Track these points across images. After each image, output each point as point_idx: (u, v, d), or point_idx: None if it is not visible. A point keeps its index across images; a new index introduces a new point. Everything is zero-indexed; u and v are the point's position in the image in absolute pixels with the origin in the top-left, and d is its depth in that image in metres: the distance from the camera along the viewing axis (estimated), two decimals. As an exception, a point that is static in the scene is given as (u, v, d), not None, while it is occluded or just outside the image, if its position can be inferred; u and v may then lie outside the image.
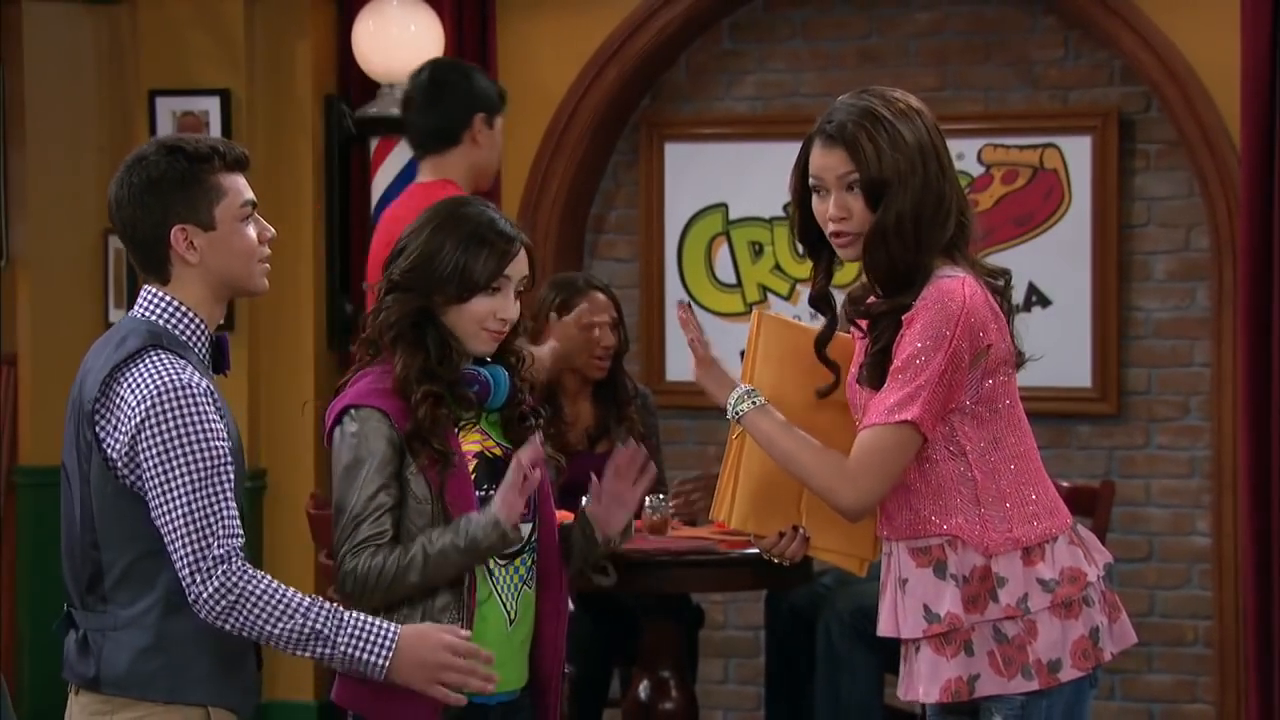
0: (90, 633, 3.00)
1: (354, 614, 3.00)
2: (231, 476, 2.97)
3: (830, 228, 3.00)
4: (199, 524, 2.92)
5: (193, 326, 3.07)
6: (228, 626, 2.93)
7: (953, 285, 2.93)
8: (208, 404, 2.99)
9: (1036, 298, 6.07)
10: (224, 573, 2.91)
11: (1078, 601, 2.98)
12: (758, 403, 3.01)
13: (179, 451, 2.93)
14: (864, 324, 3.02)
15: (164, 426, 2.93)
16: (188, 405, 2.95)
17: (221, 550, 2.91)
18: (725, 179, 6.27)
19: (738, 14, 6.34)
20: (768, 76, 6.31)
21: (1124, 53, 5.87)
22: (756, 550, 3.17)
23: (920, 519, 2.98)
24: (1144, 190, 6.03)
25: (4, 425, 6.52)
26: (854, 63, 6.25)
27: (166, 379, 2.95)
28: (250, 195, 3.07)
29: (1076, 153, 6.00)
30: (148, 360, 2.97)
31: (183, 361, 3.00)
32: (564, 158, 6.29)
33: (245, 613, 2.92)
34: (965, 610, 2.93)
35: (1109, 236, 5.97)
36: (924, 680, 2.98)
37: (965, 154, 6.09)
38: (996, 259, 6.07)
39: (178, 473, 2.92)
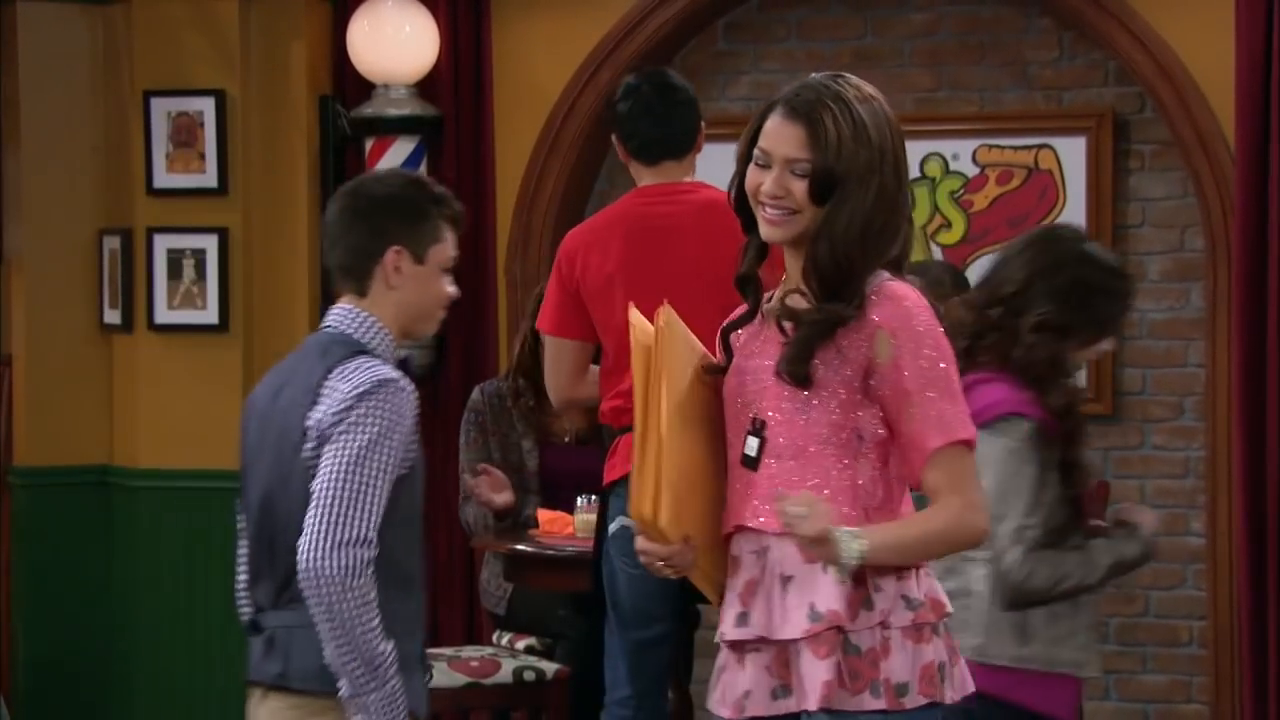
0: (279, 631, 3.11)
1: (398, 684, 3.08)
2: (385, 474, 3.08)
3: (763, 200, 2.88)
4: (350, 500, 3.04)
5: (384, 342, 3.23)
6: (310, 605, 3.03)
7: (913, 293, 2.86)
8: (408, 405, 3.14)
9: (1031, 298, 6.06)
10: (354, 559, 3.00)
11: (929, 628, 2.83)
12: (862, 538, 2.76)
13: (367, 436, 3.07)
14: (789, 326, 2.87)
15: (365, 411, 3.09)
16: (393, 398, 3.11)
17: (358, 534, 3.02)
18: (720, 179, 6.25)
19: (733, 14, 6.34)
20: (763, 77, 6.31)
21: (1119, 54, 5.87)
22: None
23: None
24: (1139, 191, 6.03)
25: (0, 426, 6.52)
26: (849, 63, 6.25)
27: (379, 374, 3.13)
28: (455, 254, 3.29)
29: (1071, 153, 6.01)
30: (358, 360, 3.16)
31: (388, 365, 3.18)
32: (559, 158, 6.29)
33: (336, 609, 3.00)
34: (846, 611, 2.78)
35: (1104, 237, 5.97)
36: (807, 685, 2.79)
37: (960, 154, 6.10)
38: (991, 259, 6.09)
39: (352, 450, 3.07)
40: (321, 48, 6.34)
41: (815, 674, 2.78)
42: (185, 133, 6.23)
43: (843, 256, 2.83)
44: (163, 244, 6.25)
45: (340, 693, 3.04)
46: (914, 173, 6.15)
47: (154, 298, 6.26)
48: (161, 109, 6.23)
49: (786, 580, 2.82)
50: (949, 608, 2.87)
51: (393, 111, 6.18)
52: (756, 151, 2.90)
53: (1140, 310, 6.02)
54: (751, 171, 2.90)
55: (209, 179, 6.23)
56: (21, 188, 6.43)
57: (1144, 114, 6.00)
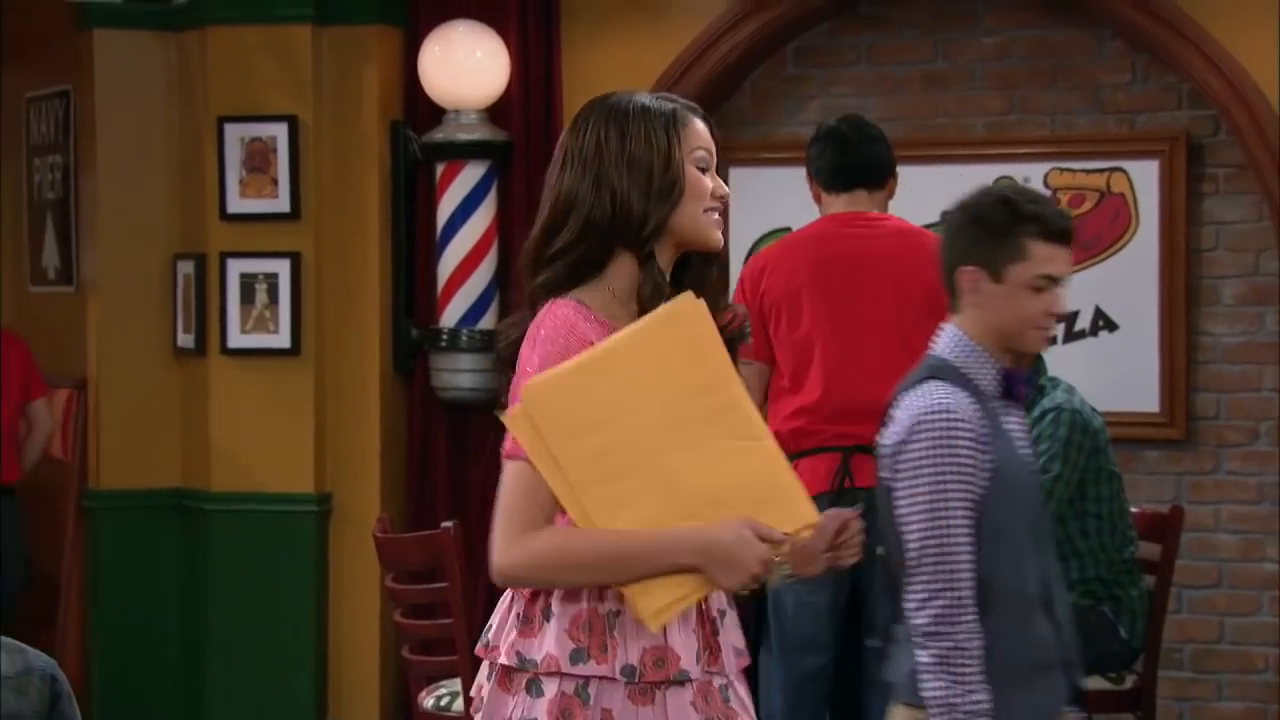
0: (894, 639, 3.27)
1: None
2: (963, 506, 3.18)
3: (717, 204, 2.80)
4: (932, 558, 3.18)
5: (977, 359, 3.31)
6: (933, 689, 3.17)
7: None
8: (964, 432, 3.21)
9: (1103, 322, 6.03)
10: (947, 617, 3.16)
11: None
12: None
13: (923, 470, 3.20)
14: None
15: (916, 445, 3.21)
16: (941, 429, 3.20)
17: (948, 602, 3.17)
18: (789, 203, 6.26)
19: (802, 39, 6.34)
20: (832, 101, 6.31)
21: (1192, 76, 5.83)
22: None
23: None
24: (1212, 214, 5.99)
25: (75, 449, 6.57)
26: (919, 87, 6.24)
27: (929, 403, 3.23)
28: (1052, 271, 3.29)
29: (1144, 177, 5.97)
30: (923, 387, 3.26)
31: (952, 389, 3.26)
32: (629, 183, 6.30)
33: (947, 675, 3.15)
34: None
35: (1177, 261, 5.94)
36: (750, 715, 2.84)
37: (1031, 178, 6.07)
38: (1063, 283, 6.07)
39: (918, 489, 3.20)
40: (393, 73, 6.37)
41: (749, 706, 2.86)
42: (258, 158, 6.28)
43: None
44: (236, 269, 6.30)
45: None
46: (985, 196, 6.14)
47: (227, 322, 6.30)
48: (235, 134, 6.28)
49: (723, 614, 2.85)
50: None
51: (463, 136, 6.20)
52: (700, 155, 2.80)
53: (1214, 334, 5.97)
54: (700, 178, 2.79)
55: (281, 204, 6.27)
56: (97, 213, 6.49)
57: (1218, 137, 5.96)
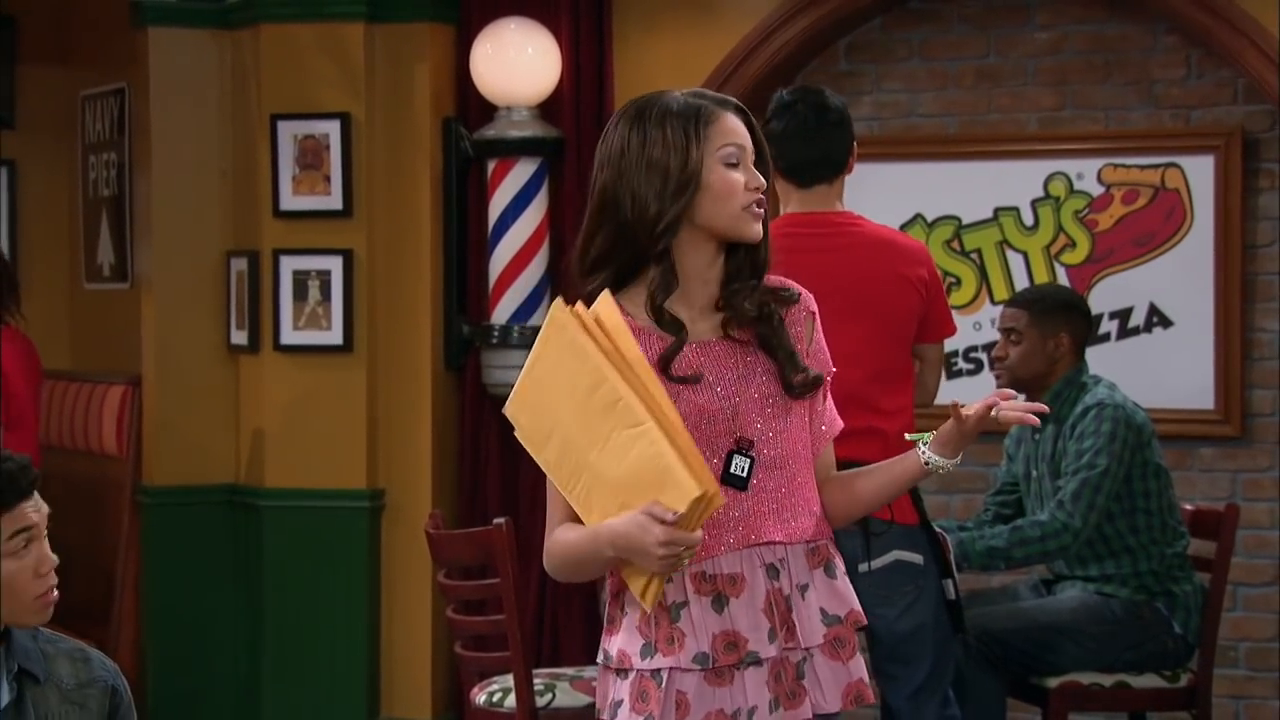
0: None
1: None
2: None
3: (754, 197, 2.82)
4: None
5: None
6: None
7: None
8: None
9: (1158, 319, 6.00)
10: None
11: None
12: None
13: None
14: (741, 334, 2.85)
15: None
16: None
17: None
18: (846, 199, 6.26)
19: (854, 34, 6.33)
20: (884, 97, 6.29)
21: (1247, 71, 5.79)
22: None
23: (809, 517, 2.88)
24: (1268, 210, 5.95)
25: (130, 446, 6.61)
26: (971, 82, 6.22)
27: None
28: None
29: (1199, 172, 5.93)
30: None
31: None
32: (681, 179, 6.29)
33: None
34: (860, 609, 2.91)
35: (1232, 257, 5.90)
36: (822, 689, 2.85)
37: (1085, 174, 6.04)
38: (1117, 279, 6.04)
39: None
40: (444, 70, 6.39)
41: (836, 677, 2.86)
42: (311, 155, 6.30)
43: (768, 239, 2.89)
44: (289, 265, 6.32)
45: None
46: (1038, 192, 6.11)
47: (280, 319, 6.33)
48: (288, 132, 6.31)
49: (804, 589, 2.86)
50: None
51: (515, 133, 6.21)
52: (729, 150, 2.82)
53: (1270, 331, 5.93)
54: (731, 174, 2.81)
55: (334, 201, 6.29)
56: (151, 210, 6.52)
57: (1274, 132, 5.92)
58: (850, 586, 2.90)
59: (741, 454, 2.80)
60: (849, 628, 2.87)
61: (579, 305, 2.76)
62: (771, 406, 2.84)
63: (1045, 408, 2.98)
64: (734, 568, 2.82)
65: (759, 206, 2.83)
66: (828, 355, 2.96)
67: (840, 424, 2.96)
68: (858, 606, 2.89)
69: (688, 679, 2.80)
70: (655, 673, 2.80)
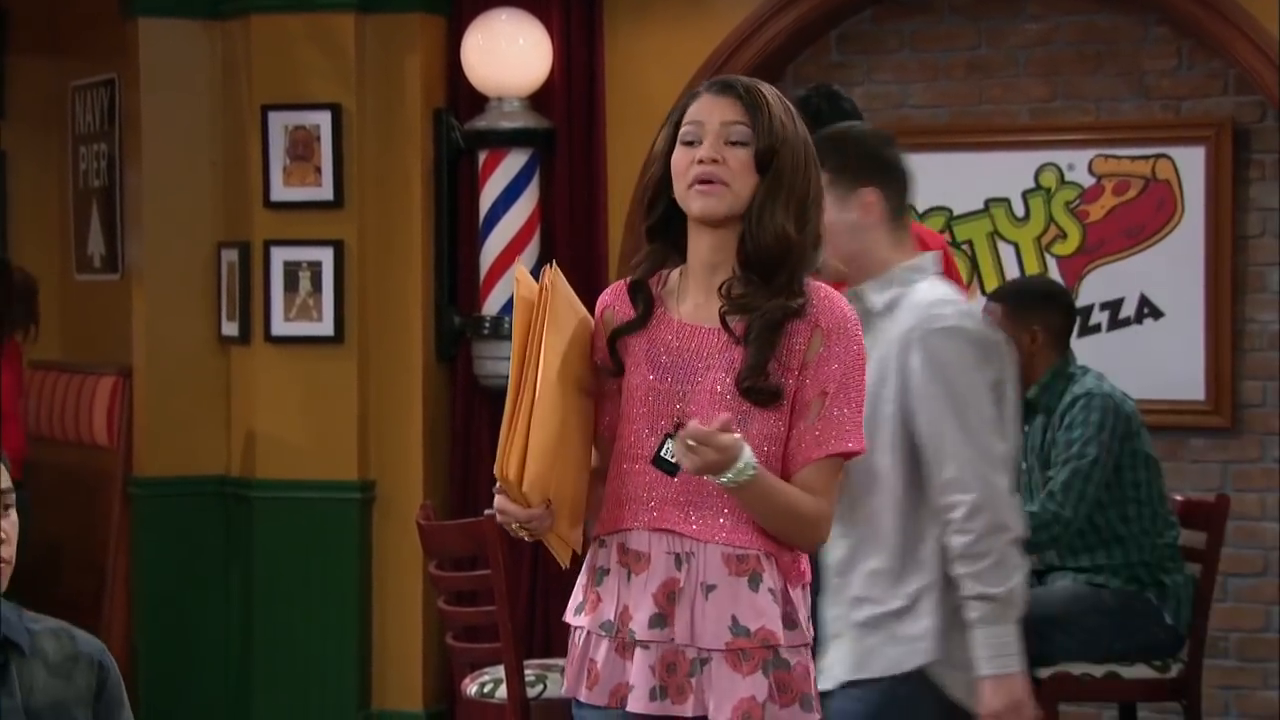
0: None
1: None
2: None
3: (696, 171, 2.76)
4: None
5: None
6: None
7: (841, 297, 2.85)
8: None
9: (1148, 310, 6.01)
10: None
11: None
12: (757, 467, 2.72)
13: None
14: (737, 328, 2.79)
15: None
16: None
17: None
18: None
19: (845, 26, 6.33)
20: (875, 88, 6.29)
21: (1238, 62, 5.80)
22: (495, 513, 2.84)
23: (744, 525, 2.77)
24: (1259, 201, 5.95)
25: (121, 437, 6.60)
26: (962, 74, 6.22)
27: None
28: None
29: (1190, 163, 5.94)
30: None
31: None
32: (672, 170, 6.29)
33: None
34: (780, 630, 2.77)
35: (1223, 248, 5.90)
36: (714, 695, 2.76)
37: (1076, 165, 6.04)
38: (1108, 270, 6.05)
39: None
40: (436, 62, 6.38)
41: (733, 688, 2.77)
42: (302, 146, 6.30)
43: (782, 233, 2.77)
44: (279, 257, 6.32)
45: None
46: (1029, 183, 6.11)
47: (271, 310, 6.32)
48: (279, 123, 6.30)
49: (709, 589, 2.78)
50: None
51: (506, 124, 6.21)
52: (685, 129, 2.80)
53: (1260, 321, 5.94)
54: (679, 153, 2.80)
55: (325, 192, 6.29)
56: (142, 201, 6.51)
57: (1264, 123, 5.92)
58: (776, 607, 2.77)
59: (675, 439, 2.72)
60: (757, 643, 2.76)
61: (547, 270, 2.79)
62: (724, 404, 2.76)
63: None
64: (642, 546, 2.81)
65: (702, 182, 2.78)
66: (840, 380, 2.79)
67: (843, 446, 2.80)
68: (775, 628, 2.77)
69: (601, 647, 2.83)
70: (578, 630, 2.87)
